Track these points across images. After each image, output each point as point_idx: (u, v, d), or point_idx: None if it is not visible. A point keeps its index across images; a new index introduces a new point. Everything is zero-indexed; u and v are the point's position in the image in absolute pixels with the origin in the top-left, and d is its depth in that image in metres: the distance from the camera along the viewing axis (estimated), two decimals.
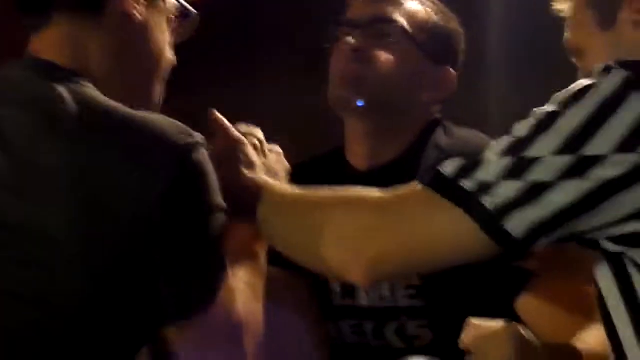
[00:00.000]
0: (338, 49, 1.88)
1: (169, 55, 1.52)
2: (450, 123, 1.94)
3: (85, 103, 1.33)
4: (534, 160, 1.26)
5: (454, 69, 1.94)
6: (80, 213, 1.28)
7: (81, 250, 1.28)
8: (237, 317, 1.38)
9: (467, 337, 1.50)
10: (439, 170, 1.32)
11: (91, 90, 1.36)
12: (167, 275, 1.33)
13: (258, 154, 1.58)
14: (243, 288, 1.43)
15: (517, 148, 1.27)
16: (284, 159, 1.65)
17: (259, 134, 1.63)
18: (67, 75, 1.38)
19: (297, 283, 1.90)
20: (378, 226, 1.35)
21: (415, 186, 1.34)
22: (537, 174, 1.25)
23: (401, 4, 1.89)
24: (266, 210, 1.48)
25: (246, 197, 1.49)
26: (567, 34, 1.49)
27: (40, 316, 1.29)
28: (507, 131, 1.32)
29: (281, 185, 1.52)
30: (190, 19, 1.55)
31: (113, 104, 1.34)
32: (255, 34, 3.38)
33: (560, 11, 1.50)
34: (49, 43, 1.42)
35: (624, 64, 1.27)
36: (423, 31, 1.88)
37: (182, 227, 1.32)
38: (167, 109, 1.45)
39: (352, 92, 1.85)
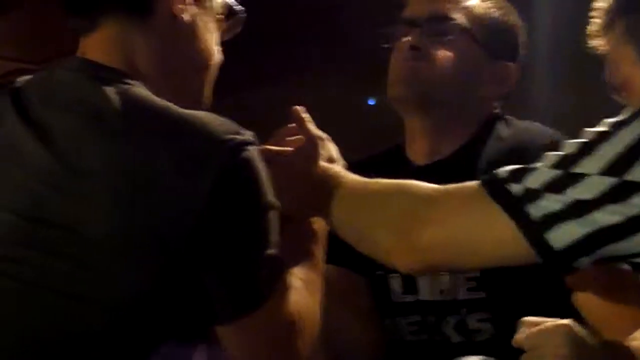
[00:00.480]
0: (397, 47, 1.89)
1: (217, 54, 1.51)
2: (511, 117, 1.93)
3: (132, 102, 1.33)
4: (580, 177, 1.27)
5: (514, 63, 1.92)
6: (127, 213, 1.28)
7: (129, 251, 1.28)
8: (290, 316, 1.37)
9: (521, 336, 1.47)
10: (494, 172, 1.33)
11: (139, 89, 1.36)
12: (217, 274, 1.31)
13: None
14: (299, 285, 1.41)
15: (565, 163, 1.29)
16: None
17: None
18: (115, 75, 1.38)
19: (351, 280, 1.89)
20: (429, 215, 1.37)
21: (472, 183, 1.36)
22: (582, 192, 1.26)
23: (460, 1, 1.88)
24: (340, 203, 1.48)
25: (319, 192, 1.49)
26: (607, 71, 1.48)
27: (89, 315, 1.29)
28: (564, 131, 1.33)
29: (356, 177, 1.53)
30: (237, 17, 1.55)
31: (161, 102, 1.34)
32: (311, 33, 3.39)
33: (597, 48, 1.48)
34: (97, 45, 1.43)
35: None
36: (481, 27, 1.87)
37: (233, 224, 1.31)
38: (219, 108, 1.43)
39: (410, 89, 1.85)
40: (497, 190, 1.31)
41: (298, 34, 3.47)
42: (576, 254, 1.27)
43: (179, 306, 1.33)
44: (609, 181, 1.25)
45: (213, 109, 1.45)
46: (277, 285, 1.35)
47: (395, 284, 1.88)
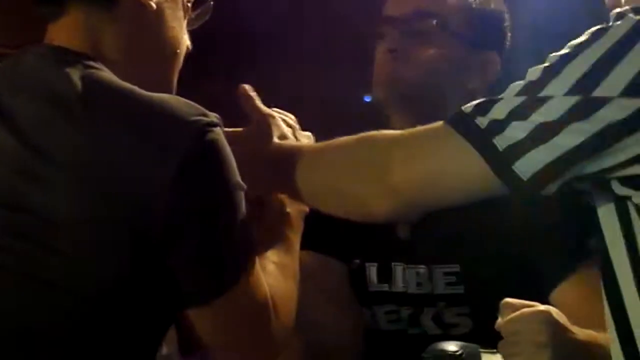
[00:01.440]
0: (377, 49, 1.88)
1: (185, 41, 1.51)
2: None
3: (97, 86, 1.32)
4: (545, 100, 1.26)
5: (499, 51, 1.90)
6: (93, 196, 1.27)
7: (96, 234, 1.27)
8: (263, 298, 1.36)
9: (503, 319, 1.46)
10: (461, 108, 1.33)
11: (104, 73, 1.36)
12: (187, 257, 1.31)
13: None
14: (272, 269, 1.41)
15: (530, 89, 1.28)
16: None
17: (291, 118, 1.63)
18: (81, 59, 1.37)
19: (330, 266, 1.88)
20: (399, 156, 1.37)
21: (439, 123, 1.36)
22: (547, 114, 1.25)
23: None
24: (304, 169, 1.47)
25: (278, 168, 1.48)
26: None
27: (62, 301, 1.29)
28: None
29: (314, 143, 1.52)
30: (205, 5, 1.55)
31: (126, 85, 1.33)
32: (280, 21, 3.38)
33: None
34: (64, 30, 1.42)
35: (637, 10, 1.26)
36: (460, 20, 1.85)
37: (201, 206, 1.30)
38: (184, 96, 1.42)
39: (390, 91, 1.84)
40: (463, 125, 1.30)
41: (269, 24, 3.47)
42: (544, 180, 1.27)
43: (151, 291, 1.32)
44: (574, 100, 1.24)
45: (187, 95, 1.44)
46: (248, 267, 1.34)
47: (372, 273, 1.87)
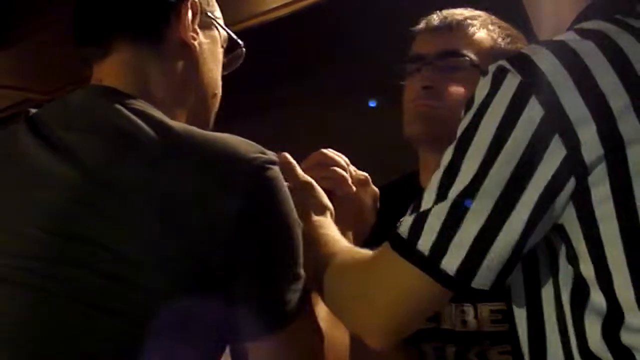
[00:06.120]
0: (408, 85, 1.88)
1: (220, 84, 1.54)
2: None
3: (156, 124, 1.34)
4: (463, 211, 1.25)
5: None
6: (159, 233, 1.28)
7: (161, 268, 1.28)
8: (317, 335, 1.38)
9: None
10: (397, 231, 1.31)
11: (159, 113, 1.37)
12: (245, 292, 1.31)
13: (346, 180, 1.62)
14: (325, 311, 1.42)
15: (442, 194, 1.27)
16: (371, 185, 1.67)
17: (343, 159, 1.65)
18: (130, 98, 1.39)
19: None
20: (365, 292, 1.34)
21: (385, 247, 1.33)
22: (474, 224, 1.24)
23: (466, 34, 1.87)
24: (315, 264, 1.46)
25: (308, 253, 1.45)
26: None
27: (121, 330, 1.28)
28: None
29: (325, 248, 1.49)
30: (237, 50, 1.58)
31: (184, 125, 1.35)
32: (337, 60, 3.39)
33: None
34: (110, 71, 1.45)
35: (516, 62, 1.27)
36: (489, 58, 1.81)
37: (260, 243, 1.31)
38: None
39: (425, 128, 1.84)
40: (408, 253, 1.28)
41: (301, 62, 3.50)
42: (507, 276, 1.26)
43: (208, 323, 1.31)
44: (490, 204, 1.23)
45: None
46: (304, 305, 1.36)
47: None
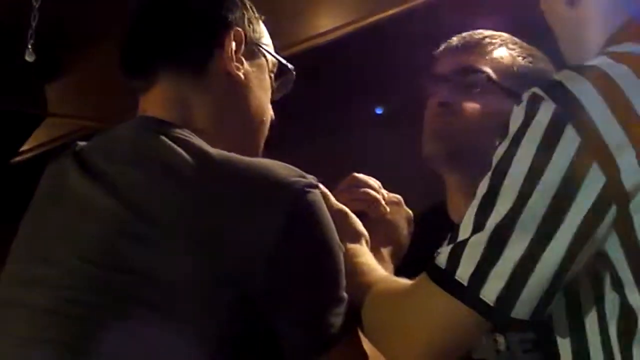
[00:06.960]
0: (428, 104, 1.88)
1: (270, 111, 1.55)
2: None
3: (197, 153, 1.35)
4: (504, 241, 1.23)
5: None
6: (200, 260, 1.28)
7: (203, 295, 1.28)
8: (361, 358, 1.37)
9: None
10: (435, 262, 1.30)
11: (201, 142, 1.38)
12: (288, 317, 1.32)
13: (378, 201, 1.62)
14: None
15: (480, 222, 1.26)
16: (404, 206, 1.66)
17: (376, 182, 1.65)
18: (174, 128, 1.41)
19: None
20: (402, 323, 1.33)
21: (423, 276, 1.32)
22: (513, 254, 1.23)
23: (486, 52, 1.86)
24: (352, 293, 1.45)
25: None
26: None
27: (163, 358, 1.28)
28: None
29: (362, 277, 1.48)
30: (287, 75, 1.59)
31: (224, 152, 1.36)
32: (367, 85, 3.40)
33: None
34: (155, 102, 1.47)
35: (549, 88, 1.26)
36: (509, 76, 1.84)
37: (302, 267, 1.31)
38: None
39: (443, 146, 1.83)
40: (447, 283, 1.27)
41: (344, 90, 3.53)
42: (547, 308, 1.24)
43: (251, 348, 1.32)
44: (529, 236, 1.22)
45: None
46: (348, 328, 1.35)
47: None
